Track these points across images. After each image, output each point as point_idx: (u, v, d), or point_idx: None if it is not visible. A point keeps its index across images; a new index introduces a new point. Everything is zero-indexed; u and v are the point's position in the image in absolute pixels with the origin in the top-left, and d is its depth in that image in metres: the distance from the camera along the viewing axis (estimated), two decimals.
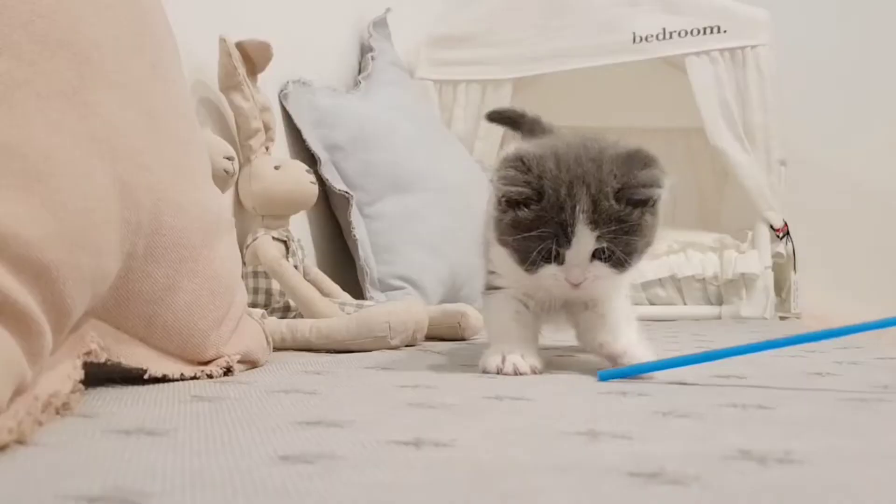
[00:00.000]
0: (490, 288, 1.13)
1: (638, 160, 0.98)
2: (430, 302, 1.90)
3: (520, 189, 0.98)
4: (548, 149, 1.01)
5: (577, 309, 1.11)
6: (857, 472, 0.52)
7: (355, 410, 0.75)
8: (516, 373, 1.01)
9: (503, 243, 1.03)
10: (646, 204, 0.98)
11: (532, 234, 0.98)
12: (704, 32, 2.52)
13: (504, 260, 1.05)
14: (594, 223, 0.96)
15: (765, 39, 2.49)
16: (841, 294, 2.95)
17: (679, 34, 2.53)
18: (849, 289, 3.00)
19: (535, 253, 0.98)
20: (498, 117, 1.48)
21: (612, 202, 0.96)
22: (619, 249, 0.98)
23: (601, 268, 0.99)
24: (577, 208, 0.96)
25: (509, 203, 1.00)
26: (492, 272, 1.12)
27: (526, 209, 0.98)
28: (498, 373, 1.02)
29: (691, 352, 1.12)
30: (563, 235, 0.96)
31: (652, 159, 0.99)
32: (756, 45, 2.49)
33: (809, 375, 1.02)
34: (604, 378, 0.97)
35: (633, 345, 1.04)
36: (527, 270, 1.01)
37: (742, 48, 2.49)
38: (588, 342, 1.09)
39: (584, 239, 0.97)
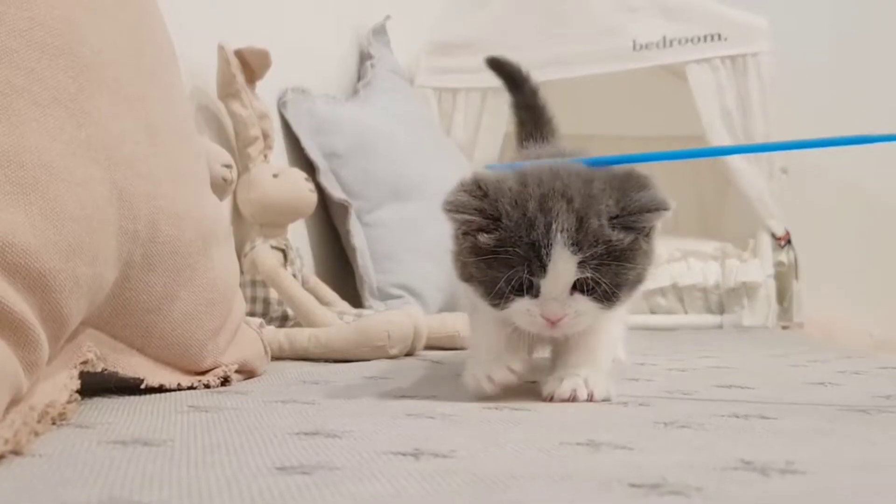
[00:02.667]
0: (472, 310, 0.98)
1: (635, 180, 0.85)
2: (430, 310, 1.89)
3: (472, 213, 0.83)
4: (510, 171, 0.87)
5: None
6: (859, 482, 0.52)
7: (353, 421, 0.74)
8: (501, 382, 0.87)
9: (467, 279, 0.87)
10: (643, 230, 0.83)
11: (498, 257, 0.82)
12: (705, 40, 2.52)
13: (475, 299, 0.91)
14: (576, 245, 0.80)
15: (765, 47, 2.49)
16: (844, 302, 2.94)
17: (679, 42, 2.53)
18: (851, 297, 2.99)
19: (503, 284, 0.82)
20: (498, 67, 1.30)
21: (603, 222, 0.81)
22: (606, 280, 0.82)
23: (584, 302, 0.83)
24: (554, 226, 0.80)
25: (467, 233, 0.85)
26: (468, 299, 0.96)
27: (486, 234, 0.83)
28: (477, 390, 0.88)
29: (695, 365, 1.11)
30: (536, 260, 0.80)
31: (649, 180, 0.86)
32: (756, 52, 2.49)
33: (811, 385, 1.01)
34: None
35: (581, 386, 0.87)
36: (494, 306, 0.85)
37: (742, 56, 2.49)
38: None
39: (563, 265, 0.80)
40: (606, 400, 0.86)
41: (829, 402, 0.86)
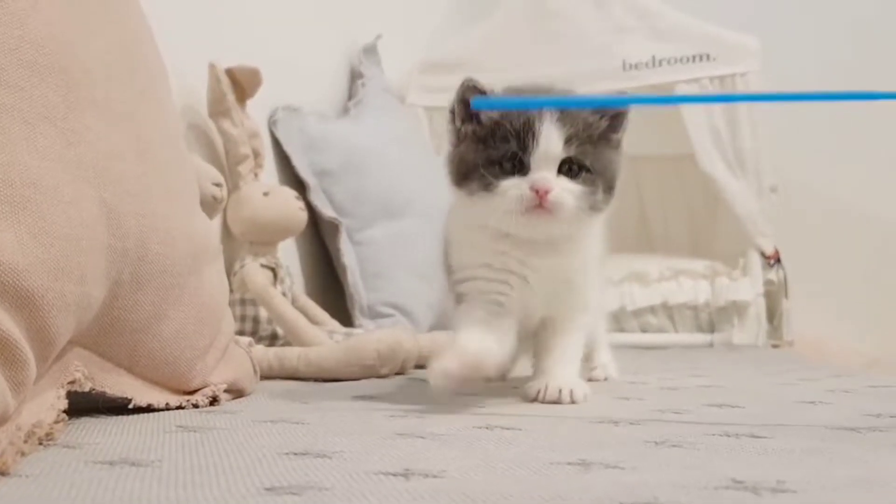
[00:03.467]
0: (458, 300, 1.07)
1: None
2: (420, 329, 1.89)
3: (481, 91, 0.98)
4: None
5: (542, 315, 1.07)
6: (850, 500, 0.52)
7: (343, 441, 0.74)
8: (465, 362, 0.92)
9: (462, 176, 1.00)
10: (616, 125, 0.99)
11: (495, 136, 0.96)
12: (694, 60, 2.53)
13: (463, 241, 1.04)
14: (561, 122, 0.94)
15: (754, 66, 2.50)
16: (833, 320, 2.95)
17: (668, 62, 2.54)
18: (842, 315, 2.99)
19: (496, 166, 0.96)
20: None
21: (583, 110, 0.96)
22: (587, 162, 0.95)
23: (569, 183, 0.95)
24: (544, 108, 0.94)
25: (473, 115, 0.99)
26: (457, 280, 1.07)
27: (489, 113, 0.97)
28: (447, 375, 0.93)
29: (686, 383, 1.11)
30: (529, 135, 0.94)
31: None
32: (745, 72, 2.50)
33: (801, 404, 1.01)
34: (477, 106, 0.94)
35: (568, 385, 1.00)
36: (486, 189, 0.96)
37: (732, 75, 2.50)
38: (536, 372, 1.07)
39: (551, 140, 0.94)
40: (584, 400, 1.00)
41: (819, 421, 0.86)
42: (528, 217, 0.96)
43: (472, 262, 1.05)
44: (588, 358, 1.28)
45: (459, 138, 1.02)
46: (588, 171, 0.96)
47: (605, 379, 1.29)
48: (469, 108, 0.99)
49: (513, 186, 0.95)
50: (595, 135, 0.97)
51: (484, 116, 0.98)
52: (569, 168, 0.96)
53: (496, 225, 0.98)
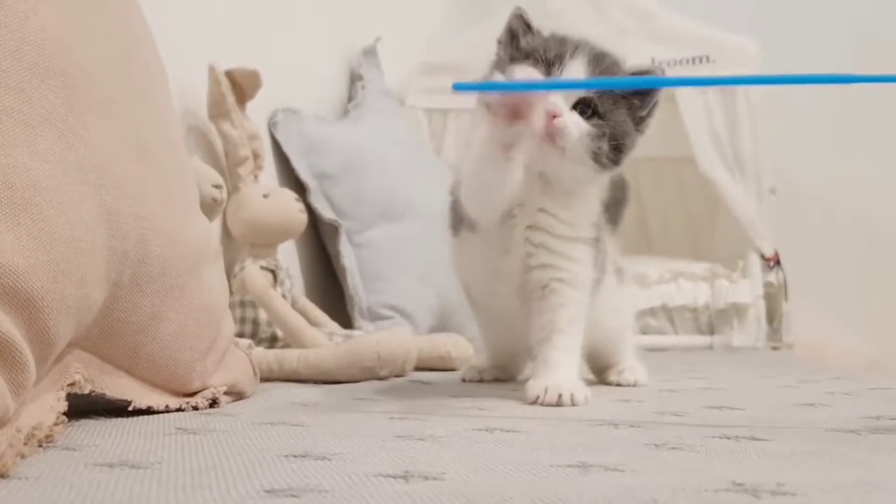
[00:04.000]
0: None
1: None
2: (420, 331, 1.89)
3: (526, 25, 1.07)
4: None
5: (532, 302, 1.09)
6: (849, 503, 0.52)
7: (343, 443, 0.74)
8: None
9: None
10: (642, 101, 1.04)
11: (527, 62, 1.01)
12: (694, 62, 2.53)
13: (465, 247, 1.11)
14: (591, 66, 1.01)
15: (754, 69, 2.50)
16: (833, 322, 2.95)
17: (668, 64, 2.54)
18: (841, 317, 2.99)
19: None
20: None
21: (617, 60, 1.04)
22: (602, 108, 1.01)
23: (580, 119, 1.01)
24: (579, 49, 1.02)
25: (513, 37, 1.07)
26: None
27: (529, 38, 1.06)
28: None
29: (686, 385, 1.10)
30: (557, 66, 1.01)
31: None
32: (745, 74, 2.50)
33: (801, 406, 1.01)
34: (458, 88, 0.91)
35: (569, 388, 1.00)
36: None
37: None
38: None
39: (575, 73, 1.00)
40: (585, 403, 1.00)
41: (819, 423, 0.86)
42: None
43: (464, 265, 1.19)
44: (615, 362, 1.30)
45: (499, 62, 1.09)
46: (601, 118, 1.02)
47: (635, 383, 1.27)
48: (512, 34, 1.08)
49: None
50: (618, 91, 1.03)
51: (524, 42, 1.06)
52: (582, 110, 1.01)
53: None
